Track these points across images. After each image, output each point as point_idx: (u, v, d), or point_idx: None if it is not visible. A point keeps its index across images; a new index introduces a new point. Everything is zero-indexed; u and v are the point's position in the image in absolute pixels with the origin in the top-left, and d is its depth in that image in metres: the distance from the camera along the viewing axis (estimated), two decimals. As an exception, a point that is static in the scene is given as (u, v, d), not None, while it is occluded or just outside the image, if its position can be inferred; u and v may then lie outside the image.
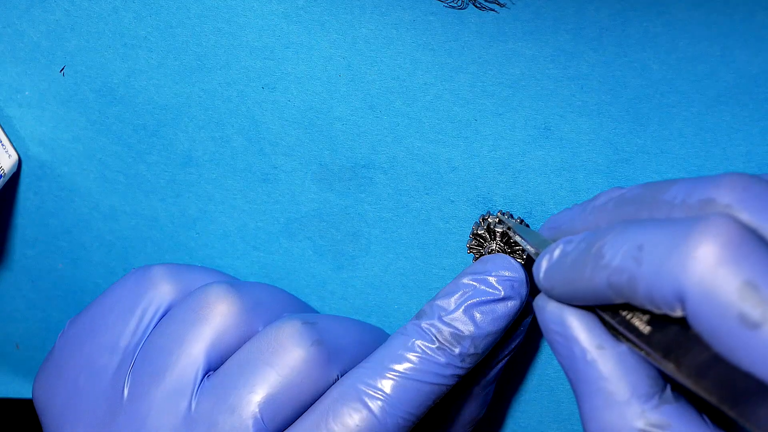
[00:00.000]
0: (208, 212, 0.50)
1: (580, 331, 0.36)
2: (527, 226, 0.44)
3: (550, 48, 0.41)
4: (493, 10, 0.41)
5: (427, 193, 0.46)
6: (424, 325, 0.41)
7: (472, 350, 0.40)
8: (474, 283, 0.41)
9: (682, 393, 0.35)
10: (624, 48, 0.40)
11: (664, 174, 0.41)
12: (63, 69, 0.49)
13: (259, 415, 0.40)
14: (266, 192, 0.49)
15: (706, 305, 0.29)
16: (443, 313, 0.41)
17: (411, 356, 0.40)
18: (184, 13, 0.46)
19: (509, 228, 0.42)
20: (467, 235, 0.46)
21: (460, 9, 0.42)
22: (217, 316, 0.43)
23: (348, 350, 0.42)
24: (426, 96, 0.44)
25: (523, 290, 0.41)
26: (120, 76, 0.48)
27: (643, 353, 0.34)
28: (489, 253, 0.43)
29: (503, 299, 0.41)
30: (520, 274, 0.41)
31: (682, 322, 0.32)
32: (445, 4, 0.42)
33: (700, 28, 0.39)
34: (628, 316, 0.34)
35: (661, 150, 0.41)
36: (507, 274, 0.41)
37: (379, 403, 0.39)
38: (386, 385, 0.40)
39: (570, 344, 0.36)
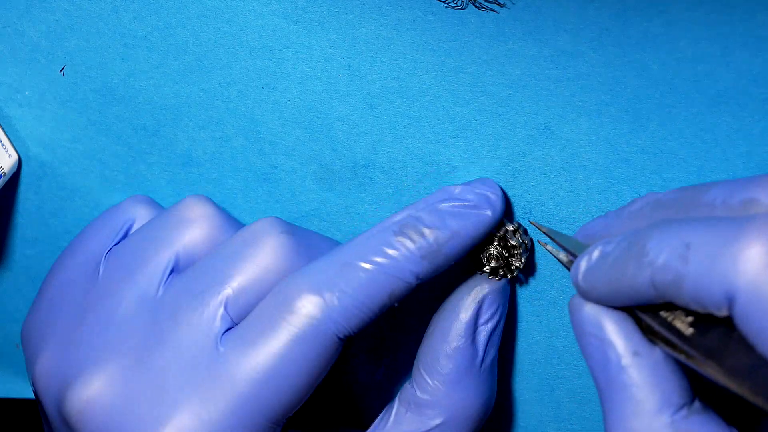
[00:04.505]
0: (208, 212, 0.50)
1: (617, 335, 0.35)
2: (525, 230, 0.44)
3: (550, 48, 0.41)
4: (492, 10, 0.41)
5: (427, 193, 0.46)
6: (389, 221, 0.40)
7: (434, 246, 0.39)
8: (450, 192, 0.41)
9: (710, 405, 0.35)
10: (624, 48, 0.40)
11: (663, 174, 0.41)
12: (63, 69, 0.49)
13: (225, 300, 0.40)
14: (266, 192, 0.48)
15: (755, 305, 0.29)
16: (412, 211, 0.40)
17: (370, 247, 0.39)
18: (184, 13, 0.46)
19: (545, 233, 0.42)
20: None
21: (460, 9, 0.42)
22: (193, 221, 0.43)
23: (318, 248, 0.42)
24: (426, 96, 0.44)
25: (498, 205, 0.41)
26: (120, 75, 0.48)
27: (683, 356, 0.33)
28: (487, 256, 0.43)
29: (476, 206, 0.40)
30: (499, 193, 0.41)
31: (726, 324, 0.32)
32: (445, 5, 0.42)
33: (700, 28, 0.38)
34: (669, 318, 0.34)
35: (660, 150, 0.41)
36: (486, 190, 0.41)
37: (332, 291, 0.38)
38: (341, 274, 0.39)
39: (605, 348, 0.35)
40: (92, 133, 0.50)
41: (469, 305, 0.42)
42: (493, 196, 0.41)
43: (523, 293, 0.46)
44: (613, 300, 0.34)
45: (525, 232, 0.44)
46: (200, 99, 0.47)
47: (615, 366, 0.35)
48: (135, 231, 0.44)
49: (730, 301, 0.30)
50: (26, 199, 0.53)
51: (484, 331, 0.43)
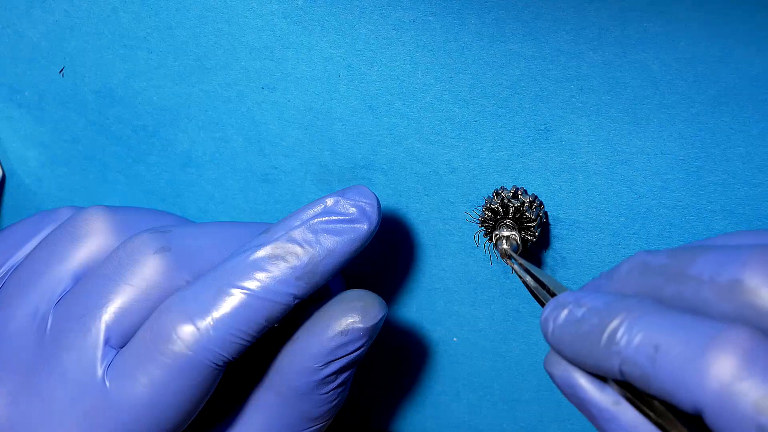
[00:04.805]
0: (208, 212, 0.50)
1: (593, 392, 0.35)
2: (541, 203, 0.43)
3: (550, 48, 0.41)
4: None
5: (426, 195, 0.46)
6: (266, 239, 0.39)
7: (309, 266, 0.39)
8: (324, 204, 0.40)
9: None
10: (624, 48, 0.40)
11: (663, 175, 0.41)
12: (62, 70, 0.49)
13: (106, 325, 0.39)
14: (266, 192, 0.48)
15: (723, 418, 0.29)
16: (287, 230, 0.39)
17: (244, 271, 0.39)
18: (184, 13, 0.46)
19: (520, 265, 0.41)
20: (466, 237, 0.46)
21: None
22: (88, 236, 0.42)
23: (202, 254, 0.41)
24: (425, 97, 0.44)
25: (374, 216, 0.40)
26: (119, 76, 0.48)
27: (653, 421, 0.33)
28: (502, 227, 0.43)
29: (351, 220, 0.39)
30: (374, 202, 0.40)
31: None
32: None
33: (700, 28, 0.38)
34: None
35: (660, 151, 0.41)
36: (362, 200, 0.40)
37: (207, 320, 0.38)
38: (215, 301, 0.38)
39: (586, 405, 0.35)
40: (92, 134, 0.50)
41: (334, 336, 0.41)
42: (368, 207, 0.40)
43: (523, 293, 0.46)
44: (581, 367, 0.34)
45: (540, 204, 0.43)
46: (200, 100, 0.47)
47: (602, 420, 0.35)
48: (37, 245, 0.43)
49: (698, 412, 0.30)
50: (26, 199, 0.53)
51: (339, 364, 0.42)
